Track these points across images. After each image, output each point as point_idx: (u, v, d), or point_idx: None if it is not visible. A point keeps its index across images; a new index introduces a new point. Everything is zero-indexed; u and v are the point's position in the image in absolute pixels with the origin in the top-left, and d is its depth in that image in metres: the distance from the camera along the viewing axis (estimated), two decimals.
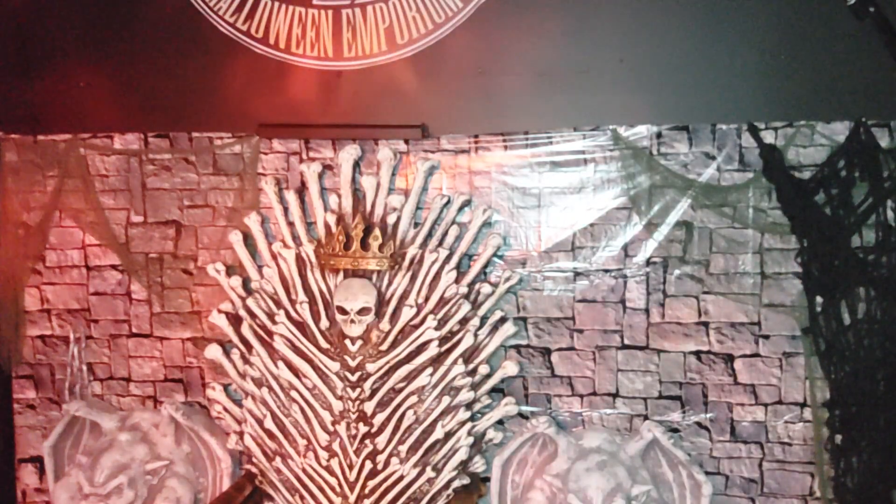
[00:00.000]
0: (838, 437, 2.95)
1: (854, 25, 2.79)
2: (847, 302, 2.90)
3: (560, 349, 3.19)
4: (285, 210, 3.21)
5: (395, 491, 3.06)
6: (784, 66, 2.94)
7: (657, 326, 3.11)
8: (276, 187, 3.20)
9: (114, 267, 3.43)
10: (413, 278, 3.07)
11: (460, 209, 3.15)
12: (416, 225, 3.16)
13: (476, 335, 3.08)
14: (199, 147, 3.32)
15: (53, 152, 3.37)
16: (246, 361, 3.19)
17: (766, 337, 3.05)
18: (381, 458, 3.05)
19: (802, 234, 2.93)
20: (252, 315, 3.16)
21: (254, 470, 3.23)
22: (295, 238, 3.19)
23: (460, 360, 3.05)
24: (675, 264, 3.07)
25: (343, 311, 2.98)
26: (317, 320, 3.09)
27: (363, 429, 3.03)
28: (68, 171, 3.36)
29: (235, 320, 3.21)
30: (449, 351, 3.06)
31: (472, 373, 3.09)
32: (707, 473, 3.04)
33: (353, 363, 3.02)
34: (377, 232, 3.00)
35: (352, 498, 3.06)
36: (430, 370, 3.03)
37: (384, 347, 3.03)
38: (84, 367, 3.48)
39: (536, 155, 3.12)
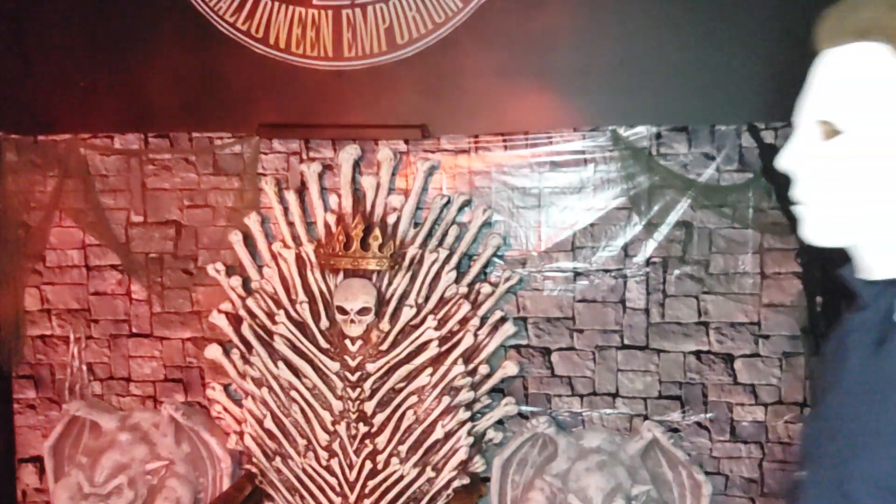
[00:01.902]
0: None
1: None
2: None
3: (560, 349, 3.19)
4: (285, 210, 3.21)
5: (395, 491, 3.06)
6: (784, 66, 2.92)
7: (657, 326, 3.12)
8: (276, 187, 3.20)
9: (114, 267, 3.43)
10: (413, 278, 3.07)
11: (460, 209, 3.15)
12: (416, 225, 3.16)
13: (476, 335, 3.08)
14: (199, 147, 3.32)
15: (53, 152, 3.37)
16: (246, 361, 3.19)
17: (766, 337, 3.05)
18: (381, 458, 3.05)
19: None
20: (252, 315, 3.17)
21: (254, 470, 3.23)
22: (295, 238, 3.20)
23: (460, 360, 3.05)
24: (675, 264, 3.07)
25: (343, 311, 2.98)
26: (317, 320, 3.09)
27: (363, 429, 3.03)
28: (68, 171, 3.36)
29: (235, 320, 3.21)
30: (449, 351, 3.06)
31: (472, 373, 3.09)
32: (707, 473, 3.04)
33: (353, 363, 3.02)
34: (377, 232, 3.01)
35: (352, 498, 3.06)
36: (430, 370, 3.03)
37: (384, 347, 3.03)
38: (84, 367, 3.48)
39: (536, 155, 3.12)
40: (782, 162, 0.99)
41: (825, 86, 0.95)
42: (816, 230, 0.99)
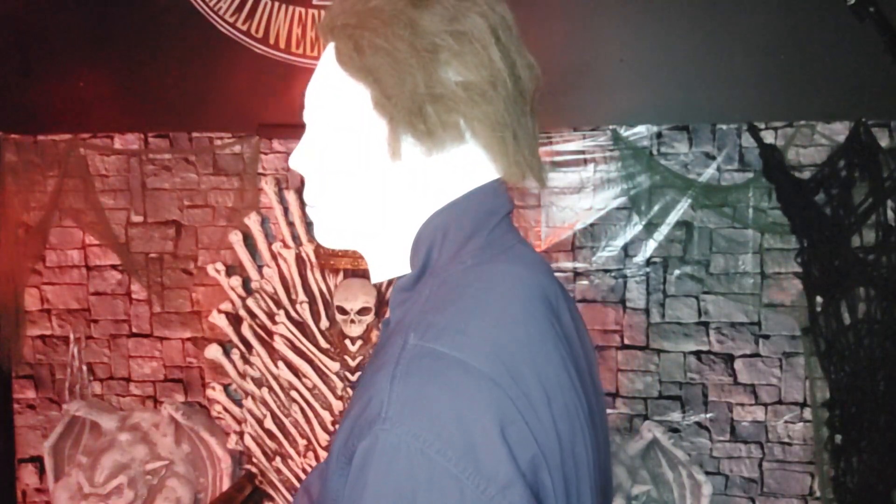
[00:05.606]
0: (838, 437, 2.95)
1: (854, 25, 2.78)
2: (847, 302, 2.90)
3: None
4: (285, 210, 3.21)
5: None
6: (784, 66, 2.94)
7: (657, 326, 3.12)
8: (276, 187, 3.20)
9: (114, 267, 3.43)
10: None
11: None
12: None
13: None
14: (199, 147, 3.32)
15: (53, 152, 3.37)
16: (246, 361, 3.19)
17: (766, 337, 3.05)
18: None
19: (802, 234, 2.94)
20: (252, 315, 3.17)
21: (254, 470, 3.23)
22: (295, 238, 3.20)
23: None
24: (675, 264, 3.08)
25: (343, 311, 2.98)
26: (317, 320, 3.09)
27: None
28: (68, 171, 3.36)
29: (235, 320, 3.21)
30: None
31: None
32: (707, 473, 3.04)
33: (353, 363, 3.02)
34: None
35: None
36: None
37: None
38: (84, 367, 3.48)
39: None
40: (290, 162, 0.96)
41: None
42: (321, 231, 0.96)
